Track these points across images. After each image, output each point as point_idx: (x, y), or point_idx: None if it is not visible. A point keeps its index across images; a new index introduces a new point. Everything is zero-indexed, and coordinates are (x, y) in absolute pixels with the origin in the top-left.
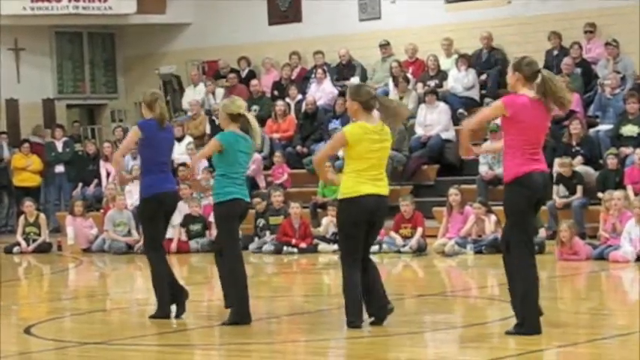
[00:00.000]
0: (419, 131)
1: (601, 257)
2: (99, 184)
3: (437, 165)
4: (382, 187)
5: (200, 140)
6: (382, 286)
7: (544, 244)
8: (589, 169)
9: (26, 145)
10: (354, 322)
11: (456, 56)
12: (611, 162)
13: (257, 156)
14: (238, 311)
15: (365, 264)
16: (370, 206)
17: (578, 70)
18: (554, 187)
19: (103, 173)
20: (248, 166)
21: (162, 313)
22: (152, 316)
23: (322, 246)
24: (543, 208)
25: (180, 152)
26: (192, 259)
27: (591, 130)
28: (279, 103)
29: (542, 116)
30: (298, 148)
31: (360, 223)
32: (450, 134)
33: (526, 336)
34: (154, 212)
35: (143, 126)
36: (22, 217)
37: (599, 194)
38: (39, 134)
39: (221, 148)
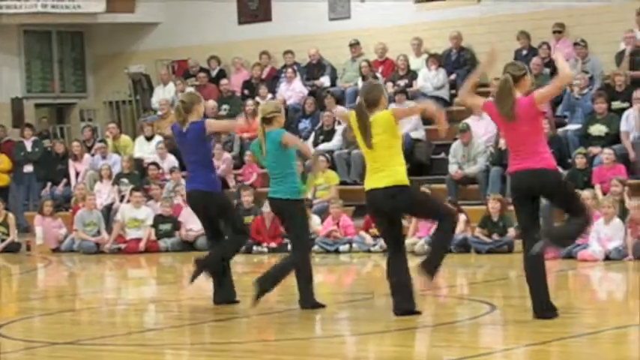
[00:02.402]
0: None
1: (569, 256)
2: (68, 183)
3: (407, 164)
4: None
5: (170, 140)
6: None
7: (513, 244)
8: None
9: None
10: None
11: (425, 56)
12: (580, 161)
13: (226, 155)
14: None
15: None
16: (368, 201)
17: (547, 70)
18: None
19: (72, 173)
20: (269, 163)
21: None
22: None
23: None
24: (510, 207)
25: (150, 152)
26: (162, 259)
27: (560, 130)
28: (249, 102)
29: None
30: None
31: (371, 215)
32: (419, 133)
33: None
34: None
35: (172, 130)
36: None
37: None
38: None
39: None
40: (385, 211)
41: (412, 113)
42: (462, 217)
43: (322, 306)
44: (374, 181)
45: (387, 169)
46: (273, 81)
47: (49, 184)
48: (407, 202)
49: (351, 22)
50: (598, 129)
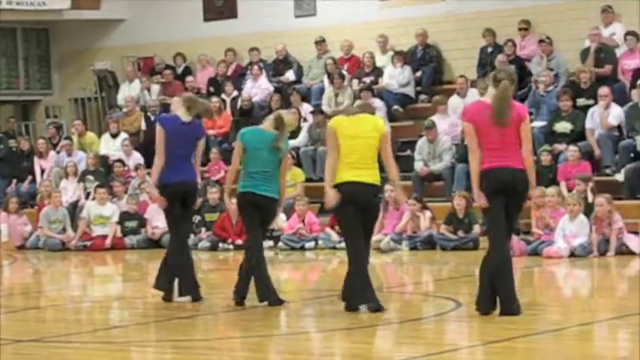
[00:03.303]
0: None
1: (535, 253)
2: (33, 180)
3: None
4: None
5: (135, 137)
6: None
7: (478, 241)
8: None
9: None
10: (350, 305)
11: (391, 53)
12: (545, 158)
13: None
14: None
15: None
16: (346, 192)
17: (512, 67)
18: None
19: (37, 170)
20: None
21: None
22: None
23: None
24: (476, 204)
25: (115, 149)
26: (127, 256)
27: None
28: (215, 99)
29: None
30: (234, 144)
31: (345, 206)
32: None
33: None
34: (166, 199)
35: (161, 120)
36: None
37: None
38: None
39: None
40: (365, 205)
41: (387, 160)
42: (427, 214)
43: (283, 302)
44: (357, 175)
45: (368, 169)
46: (238, 78)
47: (14, 181)
48: (377, 206)
49: (317, 19)
50: (563, 126)
